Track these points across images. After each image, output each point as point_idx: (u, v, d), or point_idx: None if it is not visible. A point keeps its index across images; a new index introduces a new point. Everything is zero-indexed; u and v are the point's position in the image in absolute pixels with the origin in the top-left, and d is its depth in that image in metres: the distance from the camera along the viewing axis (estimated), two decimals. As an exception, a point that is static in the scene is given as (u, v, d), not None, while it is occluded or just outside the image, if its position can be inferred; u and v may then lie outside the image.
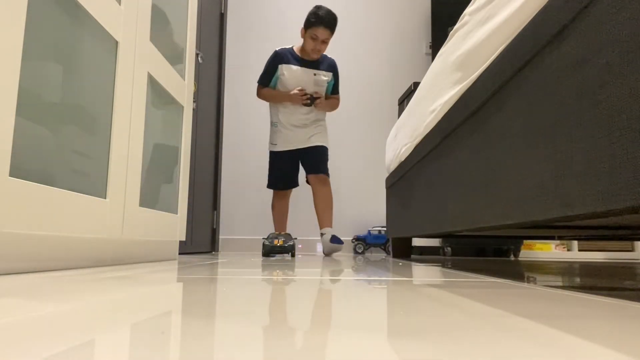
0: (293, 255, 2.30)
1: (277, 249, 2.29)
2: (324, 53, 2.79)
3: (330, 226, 2.67)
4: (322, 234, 2.68)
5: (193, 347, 0.30)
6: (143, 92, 1.48)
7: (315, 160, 2.75)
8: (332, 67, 2.80)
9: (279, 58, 2.71)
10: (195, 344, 0.31)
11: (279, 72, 2.71)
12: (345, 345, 0.31)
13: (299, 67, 2.70)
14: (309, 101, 2.69)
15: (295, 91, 2.66)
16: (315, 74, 2.73)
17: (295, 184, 2.79)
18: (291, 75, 2.69)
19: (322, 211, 2.70)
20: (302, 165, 2.78)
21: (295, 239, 2.45)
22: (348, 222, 3.60)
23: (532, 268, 1.50)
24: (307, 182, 2.79)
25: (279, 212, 2.81)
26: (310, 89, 2.72)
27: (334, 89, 2.84)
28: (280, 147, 2.75)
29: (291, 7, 3.77)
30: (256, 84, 2.82)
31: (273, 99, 2.76)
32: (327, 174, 2.75)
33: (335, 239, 2.61)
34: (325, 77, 2.75)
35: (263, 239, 2.38)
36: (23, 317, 0.40)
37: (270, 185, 2.80)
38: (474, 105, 1.03)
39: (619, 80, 0.55)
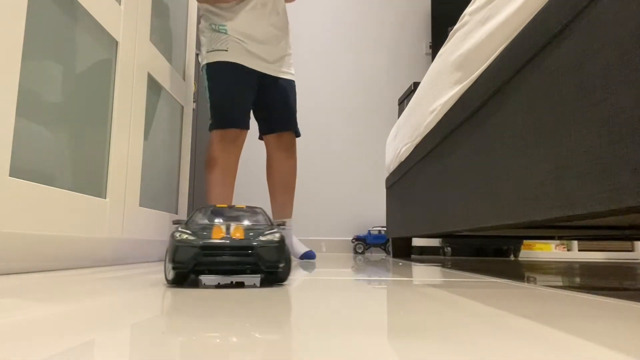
0: (281, 278, 0.72)
1: (223, 256, 0.66)
2: None
3: (290, 216, 1.87)
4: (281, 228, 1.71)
5: (193, 347, 0.30)
6: (143, 92, 1.48)
7: (284, 106, 1.78)
8: None
9: None
10: (195, 344, 0.31)
11: None
12: (345, 345, 0.31)
13: None
14: None
15: None
16: None
17: (248, 124, 1.71)
18: None
19: (282, 193, 1.83)
20: (257, 110, 1.81)
21: (283, 225, 0.81)
22: (348, 222, 3.60)
23: (532, 268, 1.50)
24: (261, 138, 1.87)
25: (229, 170, 1.66)
26: None
27: None
28: (235, 58, 1.65)
29: (291, 7, 3.77)
30: None
31: None
32: (297, 133, 1.85)
33: (307, 254, 1.79)
34: None
35: (174, 222, 0.76)
36: (23, 317, 0.40)
37: (218, 121, 1.66)
38: (474, 105, 1.03)
39: (619, 80, 0.55)
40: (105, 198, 1.26)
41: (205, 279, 0.69)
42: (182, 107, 1.93)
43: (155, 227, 1.60)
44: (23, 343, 0.30)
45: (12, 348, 0.29)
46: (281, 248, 0.69)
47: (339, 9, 3.82)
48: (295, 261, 1.62)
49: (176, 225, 0.72)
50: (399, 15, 3.84)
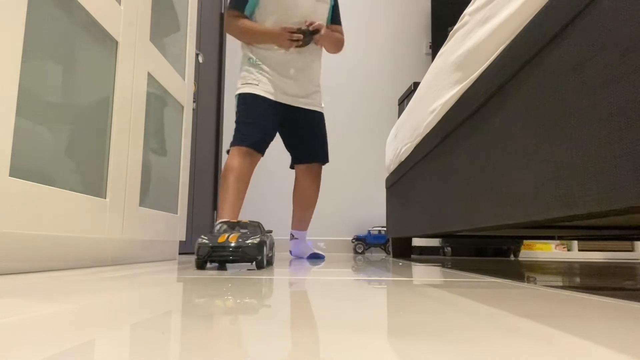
0: (259, 266, 1.13)
1: (224, 252, 1.11)
2: None
3: (305, 229, 2.14)
4: (292, 236, 2.13)
5: (193, 347, 0.30)
6: (143, 92, 1.48)
7: (315, 138, 1.96)
8: None
9: None
10: (195, 344, 0.31)
11: None
12: (345, 345, 0.31)
13: None
14: (301, 41, 1.79)
15: (287, 30, 1.78)
16: None
17: (265, 150, 1.88)
18: None
19: (305, 210, 2.08)
20: (285, 139, 2.00)
21: (270, 232, 1.29)
22: (348, 222, 3.60)
23: (532, 268, 1.50)
24: (292, 167, 2.06)
25: (240, 179, 1.77)
26: (303, 11, 1.82)
27: (336, 18, 1.99)
28: (263, 91, 1.83)
29: (291, 7, 3.77)
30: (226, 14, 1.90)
31: (251, 38, 1.84)
32: (326, 161, 2.03)
33: (314, 255, 2.06)
34: None
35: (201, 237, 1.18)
36: (23, 317, 0.40)
37: (238, 140, 1.80)
38: (474, 105, 1.03)
39: (619, 80, 0.55)
40: (105, 198, 1.26)
41: (211, 265, 1.25)
42: (182, 107, 1.93)
43: (155, 227, 1.60)
44: (23, 343, 0.30)
45: (12, 348, 0.29)
46: (259, 247, 1.11)
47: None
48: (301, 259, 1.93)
49: (203, 237, 1.17)
50: (399, 15, 3.84)
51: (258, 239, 1.12)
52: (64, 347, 0.29)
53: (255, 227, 1.26)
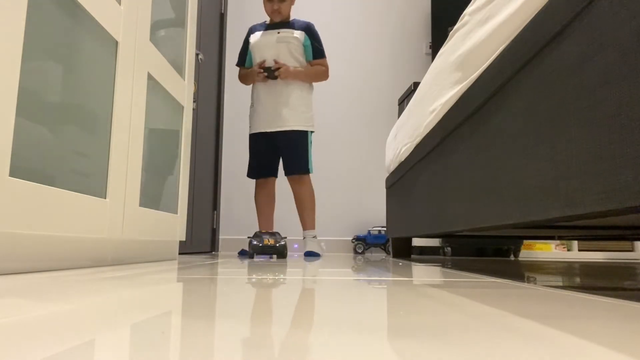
0: (284, 256, 2.03)
1: (268, 249, 2.03)
2: (297, 18, 2.56)
3: (312, 227, 2.48)
4: (304, 237, 2.51)
5: (193, 347, 0.30)
6: (143, 92, 1.48)
7: (289, 154, 2.44)
8: (304, 27, 2.44)
9: (250, 30, 2.50)
10: (194, 344, 0.31)
11: (250, 45, 2.47)
12: (345, 345, 0.31)
13: (262, 32, 2.44)
14: (266, 74, 2.35)
15: (255, 68, 2.39)
16: (279, 32, 2.39)
17: (273, 172, 2.50)
18: (256, 43, 2.43)
19: (301, 213, 2.48)
20: (280, 157, 2.52)
21: (285, 237, 2.15)
22: (348, 222, 3.60)
23: (532, 268, 1.50)
24: (286, 174, 2.55)
25: (261, 204, 2.52)
26: (272, 53, 2.38)
27: (315, 53, 2.47)
28: (253, 129, 2.48)
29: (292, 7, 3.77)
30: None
31: (245, 80, 2.53)
32: (304, 172, 2.43)
33: (309, 254, 2.37)
34: (295, 35, 2.40)
35: (249, 237, 2.14)
36: (23, 317, 0.40)
37: (253, 175, 2.52)
38: (474, 105, 1.03)
39: (619, 80, 0.55)
40: (105, 198, 1.26)
41: (257, 257, 2.07)
42: (182, 107, 1.93)
43: (155, 227, 1.60)
44: (23, 343, 0.30)
45: (12, 348, 0.29)
46: (285, 246, 2.10)
47: (339, 9, 3.82)
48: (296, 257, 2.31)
49: (251, 237, 2.10)
50: (399, 15, 3.84)
51: (284, 242, 2.11)
52: (64, 347, 0.29)
53: (277, 234, 2.14)
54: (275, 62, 2.37)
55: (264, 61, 2.40)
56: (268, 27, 2.46)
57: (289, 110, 2.41)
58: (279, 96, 2.42)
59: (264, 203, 2.52)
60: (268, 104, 2.42)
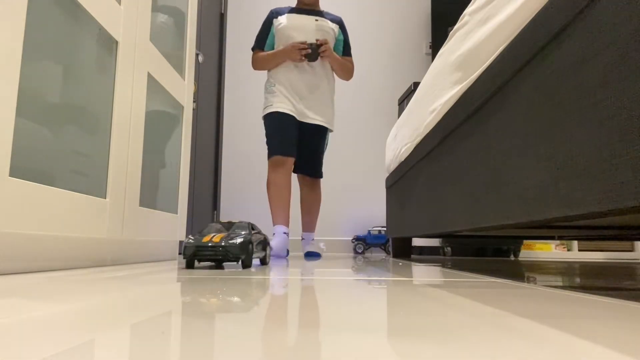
0: (245, 265, 1.15)
1: (208, 251, 1.13)
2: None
3: (314, 230, 2.40)
4: (302, 238, 2.40)
5: (193, 347, 0.30)
6: (143, 92, 1.48)
7: (309, 153, 2.25)
8: (339, 20, 2.30)
9: (274, 13, 2.26)
10: (194, 344, 0.31)
11: (274, 27, 2.23)
12: (345, 346, 0.31)
13: (295, 14, 2.21)
14: (310, 51, 2.10)
15: (294, 44, 2.12)
16: (317, 20, 2.20)
17: (291, 148, 2.19)
18: (290, 22, 2.18)
19: (306, 215, 2.33)
20: (299, 149, 2.28)
21: (258, 232, 1.32)
22: (348, 222, 3.60)
23: (532, 268, 1.50)
24: (295, 171, 2.30)
25: (280, 187, 2.14)
26: (311, 37, 2.16)
27: (346, 49, 2.34)
28: (281, 108, 2.17)
29: (291, 7, 3.77)
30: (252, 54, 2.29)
31: (270, 62, 2.22)
32: (319, 176, 2.31)
33: (310, 254, 2.24)
34: (331, 26, 2.24)
35: (188, 237, 1.19)
36: (23, 317, 0.40)
37: (273, 151, 2.16)
38: (474, 105, 1.03)
39: (619, 80, 0.55)
40: (105, 198, 1.26)
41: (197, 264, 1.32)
42: (182, 107, 1.93)
43: (155, 227, 1.60)
44: (23, 343, 0.30)
45: (12, 348, 0.29)
46: (243, 246, 1.14)
47: (339, 9, 3.82)
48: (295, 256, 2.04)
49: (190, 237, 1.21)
50: (399, 15, 3.84)
51: (242, 238, 1.15)
52: (64, 347, 0.29)
53: (245, 227, 1.25)
54: (318, 40, 2.14)
55: (304, 42, 2.13)
56: (300, 11, 2.24)
57: (319, 102, 2.22)
58: (316, 87, 2.20)
59: (283, 186, 2.15)
60: (299, 88, 2.18)
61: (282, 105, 2.18)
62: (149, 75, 1.55)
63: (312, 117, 2.21)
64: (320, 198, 2.37)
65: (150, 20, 1.54)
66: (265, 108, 2.24)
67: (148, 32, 1.52)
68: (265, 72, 2.35)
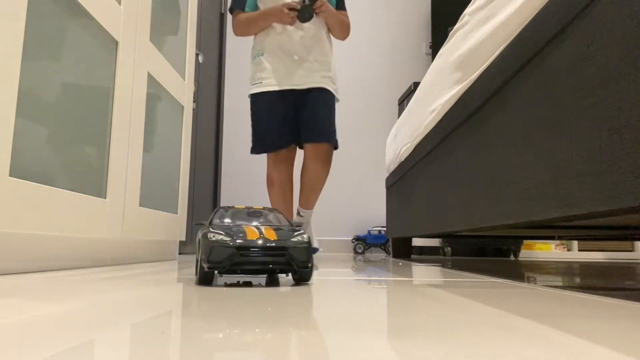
0: (307, 277, 0.75)
1: (261, 256, 0.70)
2: None
3: (312, 208, 1.97)
4: (298, 213, 1.97)
5: (193, 347, 0.30)
6: (143, 92, 1.48)
7: (312, 116, 1.84)
8: None
9: None
10: (195, 344, 0.31)
11: None
12: (345, 346, 0.31)
13: None
14: (299, 8, 1.76)
15: (286, 5, 1.76)
16: None
17: (294, 139, 1.88)
18: None
19: (307, 193, 1.92)
20: (298, 122, 1.88)
21: (300, 227, 0.80)
22: (348, 222, 3.60)
23: (532, 268, 1.50)
24: (301, 147, 1.93)
25: (279, 187, 1.88)
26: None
27: (339, 3, 2.03)
28: (267, 86, 1.85)
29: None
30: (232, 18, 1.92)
31: (254, 25, 1.87)
32: (331, 141, 1.87)
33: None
34: None
35: (196, 224, 0.84)
36: (23, 317, 0.40)
37: (254, 148, 1.89)
38: (474, 105, 1.03)
39: (619, 80, 0.55)
40: (105, 198, 1.26)
41: (227, 277, 0.77)
42: (182, 107, 1.93)
43: (155, 227, 1.60)
44: (23, 343, 0.30)
45: (12, 348, 0.29)
46: (309, 249, 0.74)
47: (339, 9, 3.82)
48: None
49: (197, 226, 0.78)
50: (399, 15, 3.84)
51: (306, 236, 0.74)
52: (64, 347, 0.29)
53: (279, 215, 0.85)
54: None
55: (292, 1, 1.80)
56: None
57: (315, 64, 1.87)
58: (312, 47, 1.87)
59: (284, 183, 1.88)
60: (289, 53, 1.84)
61: (270, 82, 1.85)
62: (149, 75, 1.55)
63: (308, 81, 1.86)
64: (326, 172, 1.90)
65: (150, 20, 1.54)
66: (252, 85, 1.90)
67: (148, 32, 1.52)
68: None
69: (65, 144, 1.10)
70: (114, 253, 1.35)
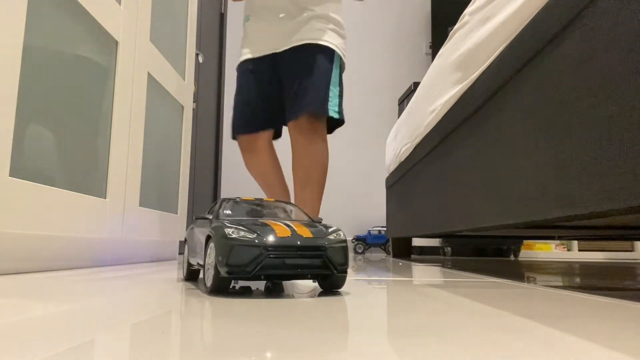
0: (335, 282, 0.63)
1: (296, 258, 0.57)
2: None
3: (314, 213, 1.52)
4: None
5: (193, 347, 0.30)
6: (143, 92, 1.48)
7: (299, 83, 1.42)
8: None
9: None
10: (194, 344, 0.31)
11: None
12: (345, 345, 0.31)
13: None
14: None
15: None
16: None
17: (271, 122, 1.52)
18: None
19: (300, 188, 1.49)
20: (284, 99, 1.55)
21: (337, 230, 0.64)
22: (348, 222, 3.60)
23: (532, 268, 1.50)
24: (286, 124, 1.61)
25: (263, 173, 1.58)
26: None
27: None
28: (246, 54, 1.55)
29: (291, 7, 3.77)
30: None
31: None
32: (319, 111, 1.43)
33: None
34: None
35: (196, 217, 0.71)
36: (23, 317, 0.40)
37: (232, 131, 1.60)
38: (474, 105, 1.03)
39: (619, 80, 0.55)
40: (105, 198, 1.26)
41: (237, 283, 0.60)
42: (182, 107, 1.93)
43: (155, 227, 1.60)
44: (23, 343, 0.30)
45: (12, 348, 0.29)
46: (346, 250, 0.62)
47: (339, 9, 3.82)
48: None
49: (197, 221, 0.65)
50: (399, 15, 3.84)
51: (342, 233, 0.63)
52: (64, 347, 0.29)
53: (296, 208, 0.73)
54: None
55: None
56: None
57: (306, 16, 1.47)
58: (290, 3, 1.49)
59: (260, 168, 1.56)
60: (275, 10, 1.49)
61: (245, 51, 1.54)
62: (149, 75, 1.55)
63: (293, 40, 1.48)
64: (323, 156, 1.49)
65: (150, 20, 1.54)
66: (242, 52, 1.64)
67: (148, 32, 1.52)
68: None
69: (65, 144, 1.10)
70: (114, 253, 1.35)
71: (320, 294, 0.61)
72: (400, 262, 1.75)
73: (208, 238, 0.60)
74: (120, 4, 1.32)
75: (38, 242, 1.00)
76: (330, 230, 0.62)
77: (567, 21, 0.66)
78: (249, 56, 1.52)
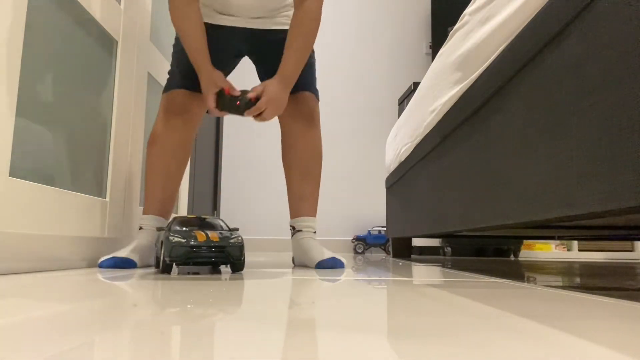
0: (241, 267, 0.99)
1: (208, 252, 0.94)
2: None
3: (312, 214, 1.38)
4: (292, 229, 1.38)
5: (193, 347, 0.30)
6: (143, 92, 1.48)
7: (277, 58, 1.17)
8: None
9: None
10: (194, 344, 0.31)
11: None
12: (345, 346, 0.31)
13: None
14: (237, 102, 1.13)
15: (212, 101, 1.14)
16: None
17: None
18: None
19: (299, 181, 1.34)
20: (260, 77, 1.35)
21: (237, 230, 1.03)
22: (348, 222, 3.60)
23: (532, 268, 1.50)
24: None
25: (162, 147, 1.21)
26: (244, 6, 1.23)
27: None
28: (211, 17, 1.26)
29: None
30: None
31: (186, 47, 1.19)
32: (308, 89, 1.30)
33: (327, 264, 1.21)
34: None
35: (159, 229, 1.06)
36: (23, 317, 0.40)
37: (166, 86, 1.26)
38: (474, 105, 1.03)
39: (619, 80, 0.55)
40: (105, 198, 1.26)
41: (183, 268, 1.08)
42: (182, 107, 1.93)
43: (155, 227, 1.60)
44: (23, 343, 0.30)
45: (12, 348, 0.29)
46: (243, 247, 0.99)
47: (338, 9, 3.82)
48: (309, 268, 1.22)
49: (159, 231, 1.05)
50: (399, 15, 3.84)
51: (240, 238, 0.98)
52: (64, 347, 0.29)
53: (222, 225, 1.05)
54: (255, 97, 1.14)
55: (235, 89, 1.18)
56: None
57: (288, 8, 1.28)
58: None
59: (176, 147, 1.23)
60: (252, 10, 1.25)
61: (215, 17, 1.26)
62: (149, 75, 1.55)
63: (279, 22, 1.29)
64: (317, 142, 1.33)
65: (150, 20, 1.54)
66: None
67: (148, 32, 1.52)
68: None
69: (65, 144, 1.10)
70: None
71: (320, 295, 0.61)
72: (400, 262, 1.75)
73: (162, 242, 0.97)
74: (120, 4, 1.32)
75: (38, 242, 1.00)
76: (232, 236, 0.98)
77: (567, 21, 0.66)
78: (219, 22, 1.26)
